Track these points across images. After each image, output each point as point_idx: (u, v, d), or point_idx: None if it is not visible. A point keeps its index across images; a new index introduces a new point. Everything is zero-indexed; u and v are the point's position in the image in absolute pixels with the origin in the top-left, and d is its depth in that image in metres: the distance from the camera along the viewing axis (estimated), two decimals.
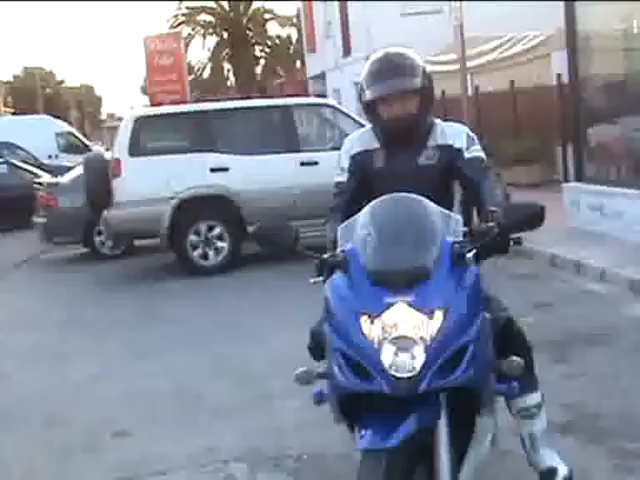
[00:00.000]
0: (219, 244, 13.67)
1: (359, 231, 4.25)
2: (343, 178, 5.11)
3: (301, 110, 14.96)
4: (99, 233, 15.74)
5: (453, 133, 5.00)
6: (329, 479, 5.63)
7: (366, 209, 4.37)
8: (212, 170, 13.52)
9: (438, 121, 5.08)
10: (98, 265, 15.56)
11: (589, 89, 13.63)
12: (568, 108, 14.27)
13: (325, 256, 4.42)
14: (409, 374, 3.76)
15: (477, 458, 4.38)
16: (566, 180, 14.70)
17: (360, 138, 5.19)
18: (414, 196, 4.33)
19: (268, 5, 62.98)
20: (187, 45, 55.14)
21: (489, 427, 4.47)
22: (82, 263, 16.08)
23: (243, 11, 61.65)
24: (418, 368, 3.77)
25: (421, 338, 3.80)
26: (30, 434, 7.16)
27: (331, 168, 14.35)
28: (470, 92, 23.43)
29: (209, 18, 61.81)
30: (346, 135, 13.97)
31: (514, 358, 4.19)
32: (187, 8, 61.60)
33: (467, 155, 4.90)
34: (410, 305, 3.88)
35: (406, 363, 3.79)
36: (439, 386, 3.84)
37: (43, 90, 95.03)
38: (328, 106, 15.52)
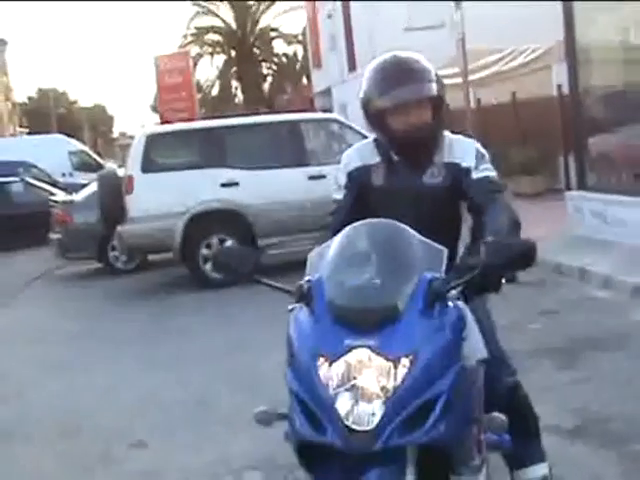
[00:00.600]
0: None
1: (329, 260, 3.75)
2: (340, 196, 4.60)
3: (308, 125, 14.97)
4: (113, 248, 15.78)
5: (462, 149, 4.43)
6: None
7: (339, 235, 3.84)
8: (223, 185, 13.52)
9: (447, 134, 4.51)
10: (112, 280, 15.58)
11: (589, 100, 13.62)
12: (569, 118, 14.26)
13: (289, 288, 3.95)
14: (366, 428, 3.27)
15: None
16: (568, 189, 14.67)
17: (359, 152, 4.62)
18: (394, 222, 3.80)
19: (274, 24, 62.96)
20: (196, 64, 55.28)
21: None
22: (96, 278, 16.09)
23: (250, 30, 61.76)
24: (376, 422, 3.27)
25: (383, 388, 3.32)
26: (48, 445, 7.14)
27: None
28: (473, 104, 23.44)
29: (217, 37, 61.99)
30: None
31: (496, 414, 3.59)
32: (195, 28, 61.76)
33: (475, 175, 4.31)
34: (374, 350, 3.37)
35: (364, 415, 3.30)
36: (400, 444, 3.32)
37: (57, 110, 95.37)
38: (334, 121, 15.54)
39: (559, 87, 18.09)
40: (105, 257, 16.27)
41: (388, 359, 3.33)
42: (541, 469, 4.58)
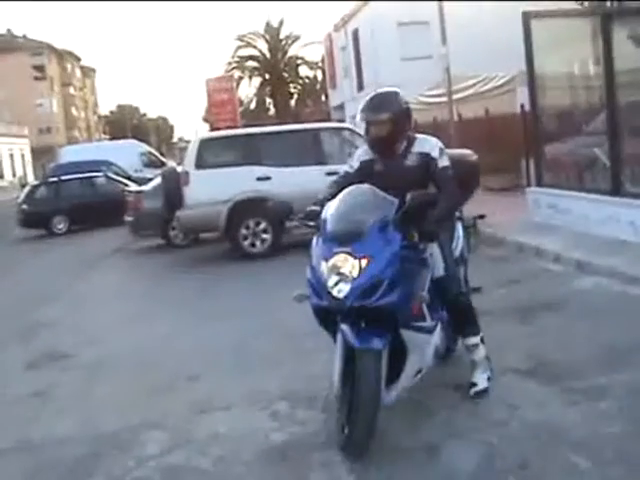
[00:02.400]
0: (264, 236, 13.70)
1: (331, 207, 5.15)
2: (350, 170, 5.75)
3: (326, 132, 14.97)
4: (173, 228, 15.83)
5: (430, 145, 5.59)
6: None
7: (340, 194, 5.28)
8: (258, 179, 13.55)
9: (418, 135, 5.69)
10: (172, 253, 15.65)
11: (544, 116, 13.62)
12: (529, 130, 14.24)
13: (311, 223, 5.44)
14: (340, 296, 4.78)
15: (415, 363, 5.18)
16: (528, 185, 14.63)
17: (366, 150, 5.73)
18: (367, 186, 5.27)
19: (299, 53, 62.87)
20: (238, 84, 55.32)
21: (423, 343, 5.25)
22: (161, 251, 16.16)
23: (280, 58, 61.69)
24: (345, 292, 4.76)
25: (350, 274, 4.79)
26: (127, 377, 7.26)
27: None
28: (455, 118, 23.40)
29: (255, 64, 61.90)
30: None
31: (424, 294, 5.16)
32: (238, 57, 61.83)
33: (440, 164, 5.49)
34: (348, 254, 4.84)
35: (341, 289, 4.79)
36: (360, 304, 4.79)
37: (131, 121, 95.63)
38: (347, 129, 15.51)
39: (522, 106, 17.99)
40: (167, 235, 16.34)
41: (355, 258, 4.82)
42: (474, 340, 5.84)
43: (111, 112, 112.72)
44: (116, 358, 7.98)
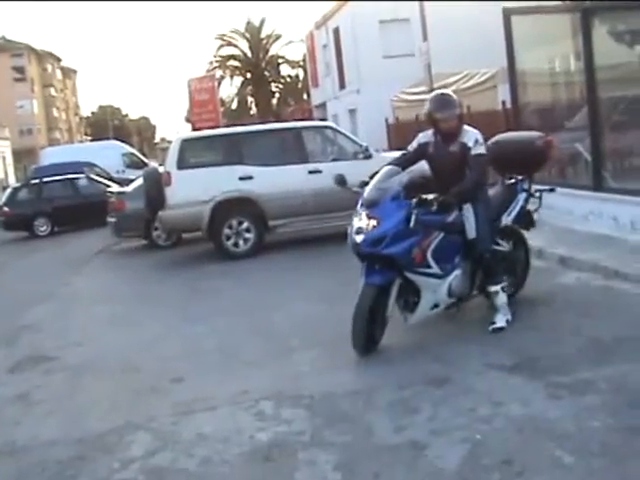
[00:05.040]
0: (247, 235, 13.65)
1: (370, 183, 6.99)
2: (410, 149, 7.39)
3: (308, 131, 14.92)
4: (156, 229, 15.77)
5: (468, 136, 7.04)
6: (335, 412, 5.66)
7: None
8: (240, 178, 13.50)
9: (465, 127, 7.11)
10: (155, 253, 15.60)
11: (525, 112, 13.67)
12: (510, 126, 14.26)
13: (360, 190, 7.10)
14: (358, 242, 6.71)
15: (429, 300, 6.99)
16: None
17: (425, 135, 7.34)
18: (394, 168, 7.12)
19: (281, 52, 62.94)
20: (220, 84, 55.37)
21: (434, 285, 6.96)
22: (143, 252, 16.12)
23: (262, 57, 61.67)
24: (360, 241, 6.69)
25: (366, 228, 6.69)
26: (112, 379, 7.24)
27: (332, 175, 14.39)
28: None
29: (236, 63, 61.88)
30: (343, 149, 14.05)
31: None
32: (220, 56, 61.78)
33: (473, 152, 6.95)
34: (366, 215, 6.74)
35: (358, 238, 6.71)
36: (370, 251, 6.64)
37: (113, 122, 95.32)
38: (329, 128, 15.51)
39: (503, 102, 18.12)
40: (150, 236, 16.26)
41: (369, 218, 6.71)
42: (494, 287, 7.33)
43: (92, 113, 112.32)
44: (100, 360, 7.95)
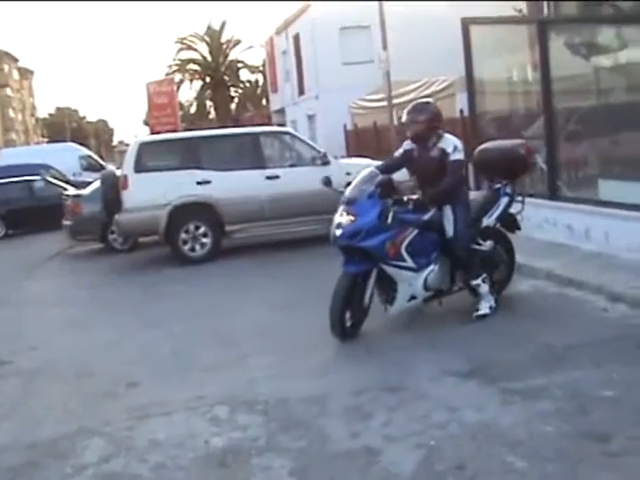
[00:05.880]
0: (204, 240, 13.61)
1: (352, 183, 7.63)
2: (397, 154, 7.98)
3: (266, 136, 14.93)
4: (112, 232, 15.64)
5: (447, 143, 7.56)
6: (290, 418, 5.66)
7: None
8: (198, 183, 13.46)
9: (445, 134, 7.63)
10: (112, 257, 15.49)
11: (483, 121, 13.79)
12: (468, 135, 14.40)
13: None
14: (337, 236, 7.35)
15: (405, 291, 7.59)
16: (469, 189, 14.82)
17: (410, 142, 7.80)
18: (373, 170, 7.68)
19: (240, 57, 62.75)
20: (179, 87, 55.18)
21: (409, 277, 7.55)
22: (99, 256, 15.99)
23: (221, 62, 61.49)
24: (339, 234, 7.33)
25: (344, 224, 7.33)
26: (65, 384, 7.17)
27: (290, 180, 14.38)
28: (395, 122, 23.57)
29: (196, 67, 61.65)
30: (301, 155, 14.08)
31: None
32: (179, 60, 61.53)
33: (451, 158, 7.48)
34: (345, 211, 7.38)
35: (337, 232, 7.35)
36: (347, 244, 7.27)
37: (70, 124, 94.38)
38: (287, 133, 15.54)
39: (461, 111, 18.29)
40: (106, 239, 16.15)
41: (348, 214, 7.33)
42: (477, 281, 7.91)
43: (50, 115, 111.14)
44: (55, 365, 7.87)
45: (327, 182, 8.29)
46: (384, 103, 23.63)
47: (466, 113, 15.39)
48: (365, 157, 17.55)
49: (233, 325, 8.72)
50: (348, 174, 11.89)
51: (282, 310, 9.16)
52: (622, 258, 9.42)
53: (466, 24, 13.10)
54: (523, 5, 22.24)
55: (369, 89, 29.40)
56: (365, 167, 11.71)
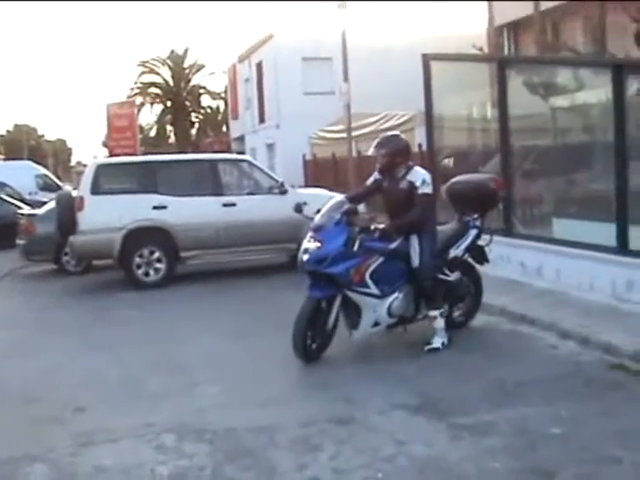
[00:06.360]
0: (158, 265, 13.51)
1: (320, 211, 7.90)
2: (368, 183, 8.21)
3: (225, 164, 14.92)
4: (66, 254, 15.46)
5: (416, 176, 7.77)
6: (238, 447, 5.61)
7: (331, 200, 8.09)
8: (154, 207, 13.38)
9: (415, 167, 7.91)
10: (64, 279, 15.28)
11: (441, 156, 13.91)
12: (426, 169, 14.50)
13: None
14: (305, 262, 7.56)
15: (370, 317, 7.75)
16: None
17: (377, 173, 8.09)
18: (341, 198, 7.99)
19: (202, 83, 62.78)
20: (139, 110, 54.85)
21: (374, 304, 7.72)
22: (52, 277, 15.77)
23: (183, 87, 61.51)
24: (306, 260, 7.54)
25: (311, 249, 7.53)
26: (9, 410, 6.99)
27: (247, 208, 14.38)
28: (354, 154, 23.71)
29: (157, 91, 61.57)
30: (258, 184, 14.09)
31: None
32: (141, 83, 61.43)
33: (419, 191, 7.68)
34: (312, 237, 7.61)
35: (305, 257, 7.56)
36: (314, 269, 7.48)
37: (28, 142, 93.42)
38: (245, 161, 15.53)
39: (419, 145, 18.47)
40: (59, 260, 15.97)
41: (315, 240, 7.56)
42: (434, 313, 8.02)
43: (7, 132, 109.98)
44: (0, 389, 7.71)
45: (298, 209, 8.56)
46: (344, 134, 23.80)
47: (425, 147, 15.52)
48: (323, 188, 17.61)
49: (184, 352, 8.64)
50: (305, 204, 11.94)
51: (234, 339, 9.11)
52: (572, 295, 9.55)
53: (427, 60, 13.25)
54: (484, 43, 22.63)
55: (329, 120, 29.59)
56: (322, 198, 11.84)
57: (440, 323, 8.00)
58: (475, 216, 8.76)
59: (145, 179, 13.74)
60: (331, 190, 16.00)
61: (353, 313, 7.80)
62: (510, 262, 11.01)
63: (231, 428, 5.99)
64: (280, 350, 8.09)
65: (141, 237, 13.38)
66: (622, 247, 9.18)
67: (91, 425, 6.31)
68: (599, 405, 6.10)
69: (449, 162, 13.47)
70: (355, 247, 7.51)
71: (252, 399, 6.75)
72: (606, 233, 9.36)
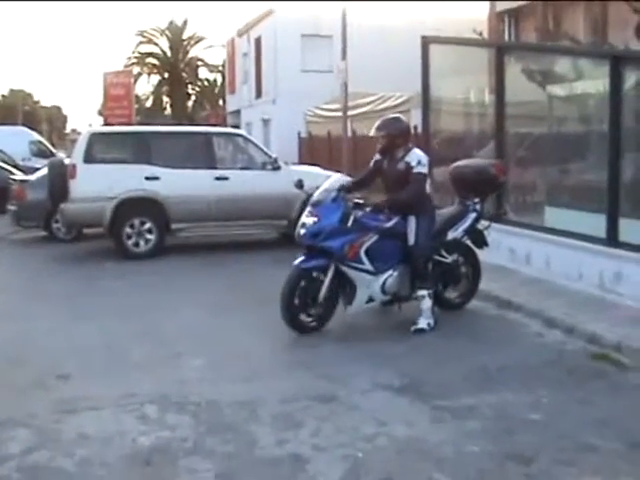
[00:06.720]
0: (148, 236, 13.50)
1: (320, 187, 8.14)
2: (370, 165, 8.39)
3: (219, 137, 14.88)
4: (57, 221, 15.44)
5: (412, 157, 7.96)
6: (220, 420, 5.64)
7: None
8: (147, 178, 13.36)
9: (414, 149, 8.09)
10: (55, 246, 15.27)
11: (437, 139, 13.89)
12: (423, 151, 14.51)
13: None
14: (302, 236, 7.83)
15: (363, 293, 7.95)
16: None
17: (377, 155, 8.28)
18: (338, 176, 9.03)
19: (200, 55, 62.60)
20: (136, 80, 54.73)
21: (368, 280, 7.92)
22: (42, 244, 15.76)
23: (181, 58, 61.30)
24: (303, 234, 7.82)
25: (308, 224, 7.80)
26: None
27: (239, 183, 14.40)
28: (349, 133, 23.69)
29: (154, 61, 61.33)
30: (252, 159, 14.07)
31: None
32: (139, 52, 61.15)
33: (414, 170, 7.88)
34: (310, 212, 7.89)
35: (302, 231, 7.84)
36: (310, 243, 7.75)
37: (23, 107, 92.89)
38: (240, 136, 15.50)
39: (415, 127, 18.41)
40: (50, 227, 15.96)
41: (312, 215, 7.83)
42: (422, 292, 8.12)
43: (3, 96, 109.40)
44: None
45: (299, 185, 8.88)
46: (339, 113, 23.74)
47: (420, 130, 15.49)
48: (317, 166, 17.60)
49: (169, 324, 8.67)
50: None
51: (220, 312, 9.14)
52: (560, 284, 9.59)
53: (426, 42, 13.21)
54: (484, 28, 22.58)
55: (326, 98, 29.53)
56: (314, 176, 11.86)
57: (427, 303, 8.11)
58: (476, 200, 8.92)
59: (138, 149, 13.71)
60: (325, 168, 16.00)
61: (349, 289, 7.98)
62: (499, 248, 11.03)
63: (213, 401, 6.02)
64: (266, 325, 8.14)
65: (132, 207, 13.37)
66: (612, 239, 9.21)
67: (74, 392, 6.34)
68: (580, 393, 6.15)
69: (435, 144, 13.46)
70: (349, 223, 7.75)
71: (235, 373, 6.79)
72: (597, 224, 9.38)
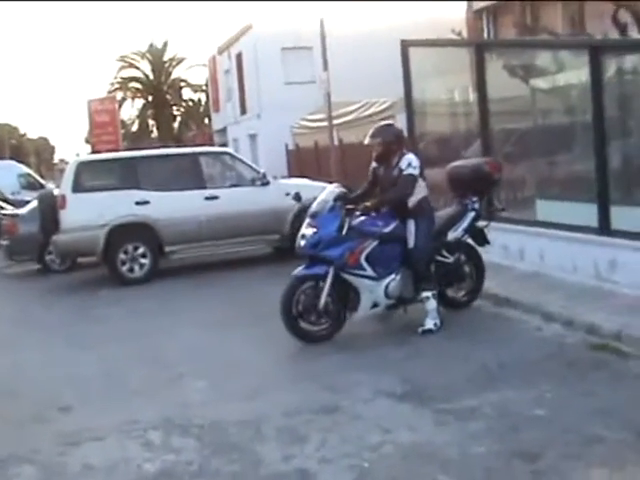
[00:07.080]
0: (142, 260, 13.49)
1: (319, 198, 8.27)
2: (369, 177, 8.46)
3: (206, 157, 14.90)
4: (50, 253, 15.42)
5: (404, 161, 8.03)
6: (224, 440, 5.63)
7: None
8: (137, 203, 13.36)
9: (408, 154, 8.13)
10: (49, 278, 15.26)
11: (423, 142, 13.90)
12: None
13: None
14: (302, 246, 8.00)
15: (367, 299, 8.03)
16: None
17: (373, 163, 8.36)
18: (334, 187, 8.52)
19: (183, 76, 62.60)
20: (120, 106, 54.81)
21: (371, 286, 8.01)
22: (36, 276, 15.75)
23: (164, 80, 61.32)
24: (303, 244, 7.99)
25: (307, 234, 7.97)
26: None
27: (229, 201, 14.44)
28: (336, 142, 23.73)
29: (138, 85, 61.35)
30: (241, 176, 14.09)
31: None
32: (121, 78, 61.21)
33: (404, 172, 7.98)
34: (309, 224, 8.06)
35: (302, 242, 8.00)
36: (311, 252, 7.92)
37: (10, 141, 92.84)
38: (227, 154, 15.53)
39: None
40: (43, 260, 15.94)
41: (311, 226, 8.00)
42: (425, 294, 8.17)
43: None
44: None
45: (297, 197, 9.45)
46: (325, 123, 23.79)
47: (405, 134, 15.51)
48: (306, 177, 17.61)
49: (169, 347, 8.65)
50: (287, 194, 12.13)
51: (220, 330, 9.13)
52: (556, 277, 9.59)
53: (405, 46, 13.24)
54: (463, 27, 22.64)
55: (310, 109, 29.58)
56: (304, 188, 11.88)
57: (432, 304, 8.17)
58: (474, 199, 8.97)
59: (126, 175, 13.70)
60: (314, 179, 16.01)
61: (353, 296, 8.08)
62: (492, 246, 10.98)
63: (217, 421, 6.01)
64: (267, 339, 8.17)
65: (125, 233, 13.36)
66: (604, 228, 9.21)
67: (76, 423, 6.32)
68: (582, 385, 6.15)
69: (422, 147, 13.47)
70: (344, 231, 7.89)
71: (238, 391, 6.78)
72: (588, 214, 9.39)
